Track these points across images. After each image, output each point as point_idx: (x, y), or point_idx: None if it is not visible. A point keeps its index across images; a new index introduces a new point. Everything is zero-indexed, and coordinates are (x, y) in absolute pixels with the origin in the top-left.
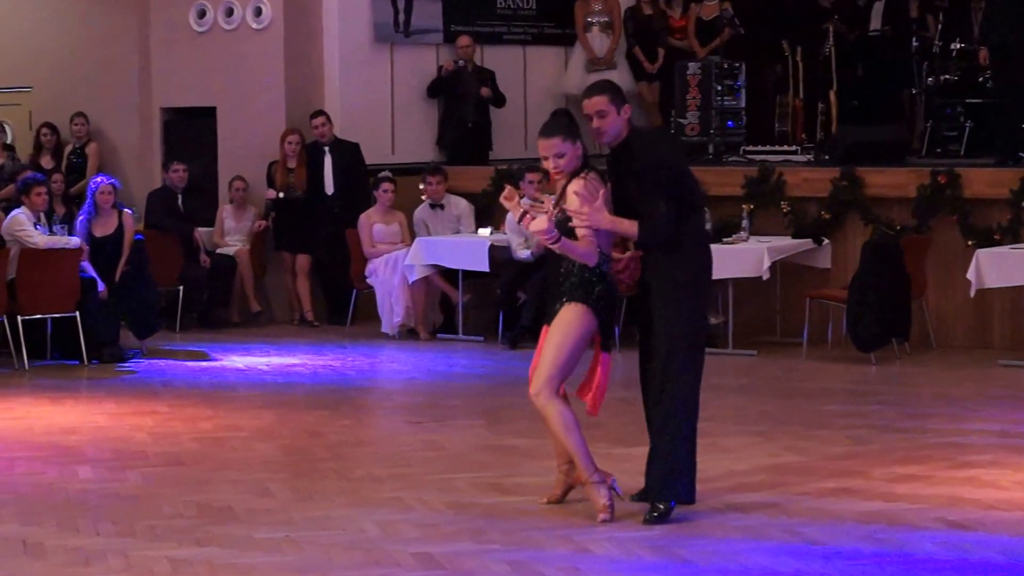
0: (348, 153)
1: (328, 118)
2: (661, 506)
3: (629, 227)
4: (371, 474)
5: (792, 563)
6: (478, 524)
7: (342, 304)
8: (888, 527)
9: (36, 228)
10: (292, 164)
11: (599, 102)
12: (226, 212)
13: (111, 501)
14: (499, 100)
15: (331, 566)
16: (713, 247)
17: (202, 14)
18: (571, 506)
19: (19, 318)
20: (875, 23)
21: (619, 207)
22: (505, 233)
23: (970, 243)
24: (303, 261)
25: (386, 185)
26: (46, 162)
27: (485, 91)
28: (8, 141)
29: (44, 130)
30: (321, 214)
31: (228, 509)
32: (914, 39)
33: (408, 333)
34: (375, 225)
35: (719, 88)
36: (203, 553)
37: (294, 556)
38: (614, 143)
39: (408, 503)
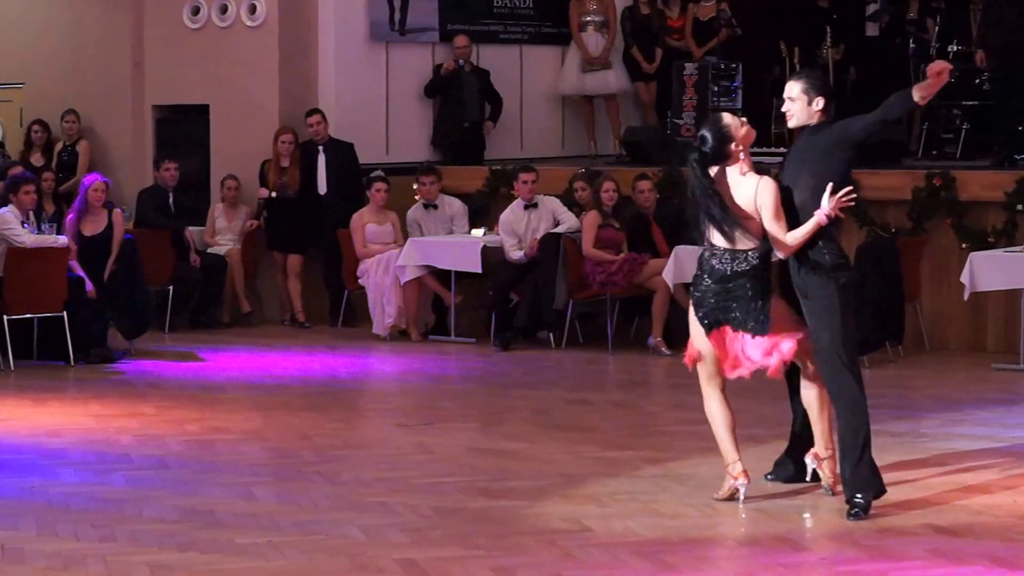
0: (342, 153)
1: (323, 117)
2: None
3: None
4: (359, 478)
5: (779, 569)
6: (465, 529)
7: (335, 305)
8: (877, 532)
9: (24, 227)
10: (285, 163)
11: (790, 87)
12: (217, 211)
13: (93, 505)
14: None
15: (314, 572)
16: None
17: (196, 11)
18: (559, 511)
19: (5, 317)
20: (872, 26)
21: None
22: (498, 234)
23: (965, 246)
24: (294, 261)
25: (379, 185)
26: (36, 159)
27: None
28: None
29: (35, 127)
30: (314, 214)
31: (211, 513)
32: (911, 40)
33: (399, 334)
34: (368, 225)
35: (716, 89)
36: (184, 559)
37: (277, 562)
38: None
39: (395, 508)
